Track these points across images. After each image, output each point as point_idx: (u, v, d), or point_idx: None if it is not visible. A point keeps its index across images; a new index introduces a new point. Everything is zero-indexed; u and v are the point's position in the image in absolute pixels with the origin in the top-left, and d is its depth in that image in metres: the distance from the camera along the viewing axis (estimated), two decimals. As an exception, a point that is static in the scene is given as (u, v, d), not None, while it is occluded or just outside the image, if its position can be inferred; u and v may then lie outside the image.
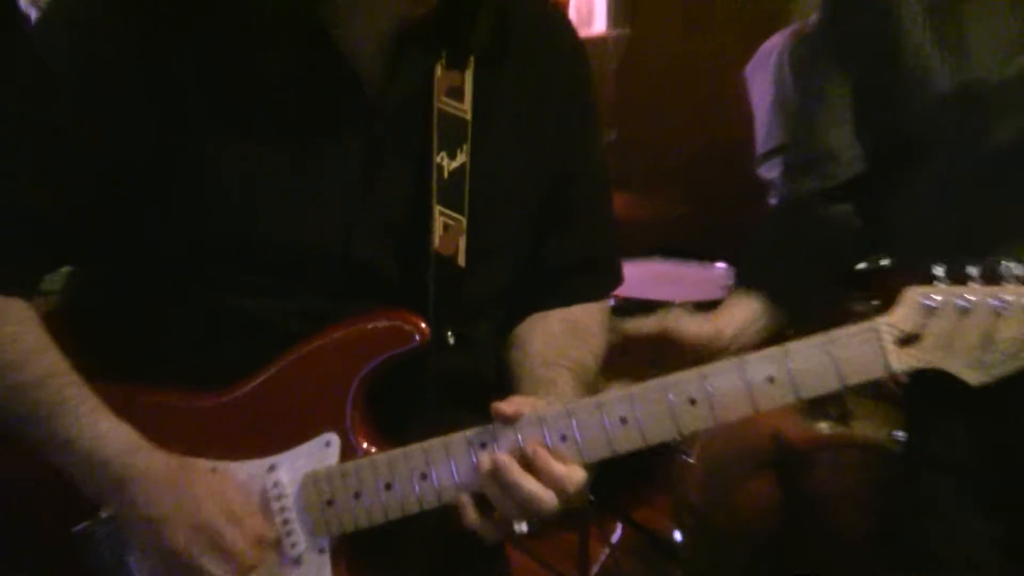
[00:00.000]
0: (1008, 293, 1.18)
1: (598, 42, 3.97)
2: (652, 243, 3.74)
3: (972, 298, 1.19)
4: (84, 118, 1.33)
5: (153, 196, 1.35)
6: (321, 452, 1.37)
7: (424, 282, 1.38)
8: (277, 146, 1.35)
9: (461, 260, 1.40)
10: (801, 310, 1.75)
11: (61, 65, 1.33)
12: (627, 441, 1.27)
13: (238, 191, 1.34)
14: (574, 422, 1.28)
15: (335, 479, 1.36)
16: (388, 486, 1.34)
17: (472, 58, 1.42)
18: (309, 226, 1.37)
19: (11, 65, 1.34)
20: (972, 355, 1.19)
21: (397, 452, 1.34)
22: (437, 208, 1.38)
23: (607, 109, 3.74)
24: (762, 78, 3.55)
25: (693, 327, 1.65)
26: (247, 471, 1.38)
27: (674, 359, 1.64)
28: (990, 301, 1.18)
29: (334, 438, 1.37)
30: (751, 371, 1.23)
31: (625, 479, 3.17)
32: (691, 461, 2.96)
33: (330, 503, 1.36)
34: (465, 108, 1.41)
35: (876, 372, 1.20)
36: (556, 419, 1.29)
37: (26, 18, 2.70)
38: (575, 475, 1.28)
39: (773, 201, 3.54)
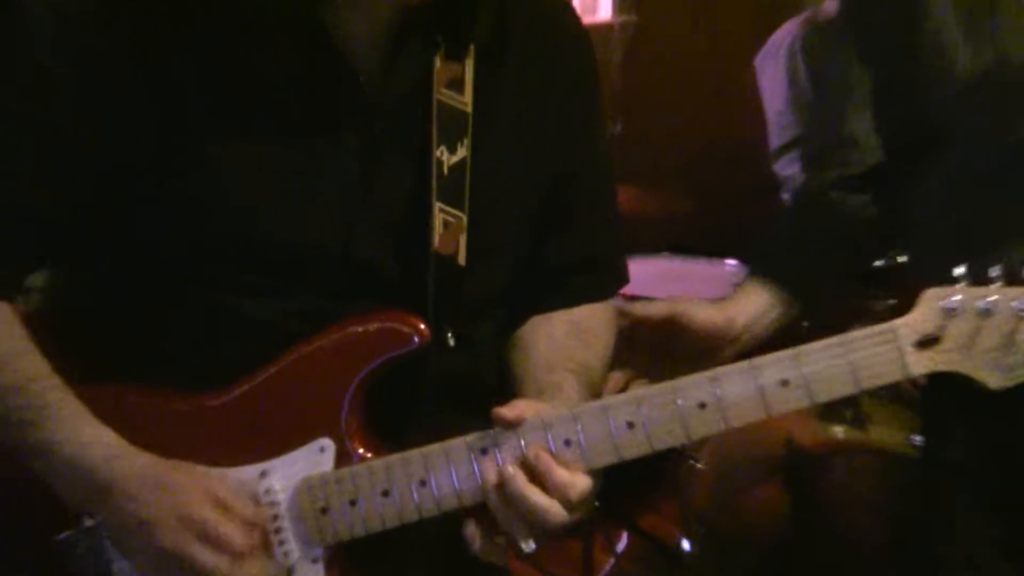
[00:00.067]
0: (1031, 295, 1.18)
1: (603, 29, 3.97)
2: (659, 240, 3.74)
3: (994, 299, 1.19)
4: (82, 117, 1.34)
5: (152, 196, 1.35)
6: (315, 458, 1.37)
7: (424, 282, 1.38)
8: (276, 145, 1.36)
9: (461, 259, 1.40)
10: (816, 303, 1.75)
11: (57, 63, 1.34)
12: (634, 446, 1.27)
13: (237, 190, 1.35)
14: (579, 427, 1.28)
15: (330, 486, 1.36)
16: (385, 493, 1.34)
17: (472, 48, 1.42)
18: (308, 225, 1.37)
19: (9, 63, 1.35)
20: (993, 358, 1.20)
21: (395, 458, 1.34)
22: (437, 205, 1.39)
23: (612, 100, 3.75)
24: (773, 69, 3.54)
25: (704, 314, 1.65)
26: (237, 477, 1.37)
27: (681, 348, 1.64)
28: (1013, 304, 1.19)
29: (329, 443, 1.37)
30: (764, 374, 1.23)
31: (631, 485, 3.17)
32: (700, 466, 2.97)
33: (324, 511, 1.36)
34: (465, 100, 1.41)
35: (894, 375, 1.20)
36: (560, 424, 1.29)
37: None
38: (579, 482, 1.28)
39: (786, 196, 3.54)
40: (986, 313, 1.18)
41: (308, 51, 1.36)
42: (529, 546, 1.30)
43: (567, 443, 1.28)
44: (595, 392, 1.49)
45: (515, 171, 1.47)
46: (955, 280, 1.19)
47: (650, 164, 4.01)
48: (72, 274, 1.47)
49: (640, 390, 1.27)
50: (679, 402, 1.25)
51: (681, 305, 1.66)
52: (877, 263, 2.02)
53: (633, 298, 3.25)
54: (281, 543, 1.37)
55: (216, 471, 1.37)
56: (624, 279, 1.66)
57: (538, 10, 1.51)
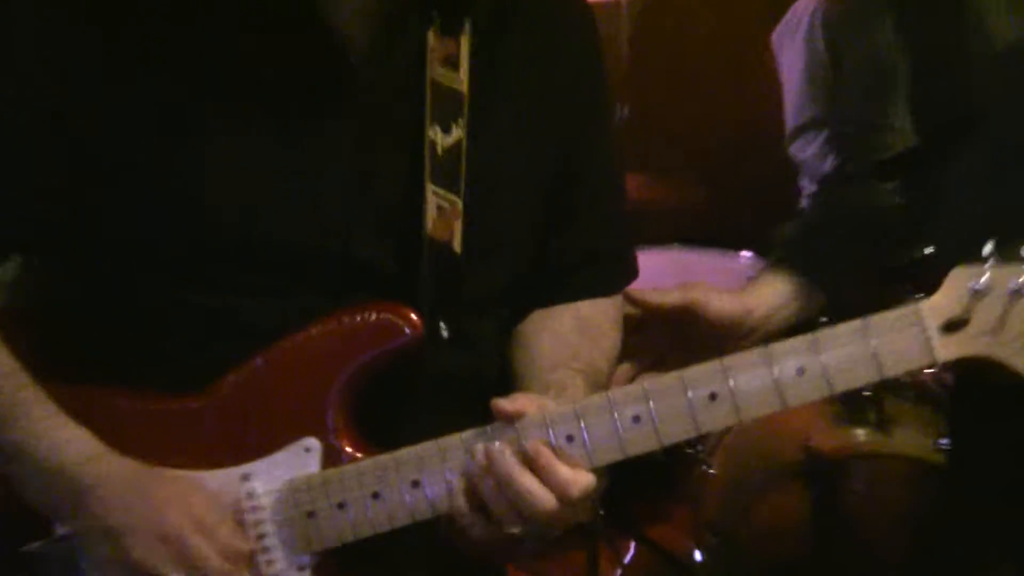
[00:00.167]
0: (1066, 275, 1.18)
1: (610, 7, 3.96)
2: (669, 231, 3.74)
3: (1025, 280, 1.19)
4: (64, 108, 1.34)
5: (139, 191, 1.35)
6: (300, 459, 1.37)
7: (417, 271, 1.38)
8: (260, 128, 1.36)
9: (457, 246, 1.40)
10: (840, 296, 1.75)
11: (43, 53, 1.35)
12: (641, 442, 1.27)
13: (220, 183, 1.35)
14: (582, 422, 1.28)
15: (316, 488, 1.36)
16: (376, 495, 1.33)
17: (469, 24, 1.42)
18: (299, 212, 1.37)
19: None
20: None
21: (385, 457, 1.34)
22: (429, 188, 1.38)
23: (619, 82, 3.74)
24: (791, 45, 3.54)
25: (720, 304, 1.65)
26: (218, 481, 1.37)
27: (694, 339, 1.64)
28: (1046, 285, 1.18)
29: (314, 443, 1.37)
30: (779, 362, 1.23)
31: (639, 492, 3.17)
32: (712, 472, 2.97)
33: (311, 515, 1.36)
34: (461, 79, 1.41)
35: (919, 361, 1.19)
36: (562, 418, 1.29)
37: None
38: (581, 479, 1.28)
39: (804, 183, 3.55)
40: (1017, 295, 1.18)
41: (294, 26, 1.36)
42: (513, 532, 1.29)
43: (569, 439, 1.28)
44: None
45: (515, 156, 1.46)
46: (984, 259, 1.18)
47: (660, 150, 4.02)
48: (58, 270, 1.47)
49: (646, 382, 1.27)
50: (688, 394, 1.25)
51: (696, 293, 1.66)
52: (904, 256, 2.02)
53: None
54: (264, 551, 1.37)
55: (196, 475, 1.37)
56: (633, 273, 1.66)
57: None
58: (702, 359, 1.29)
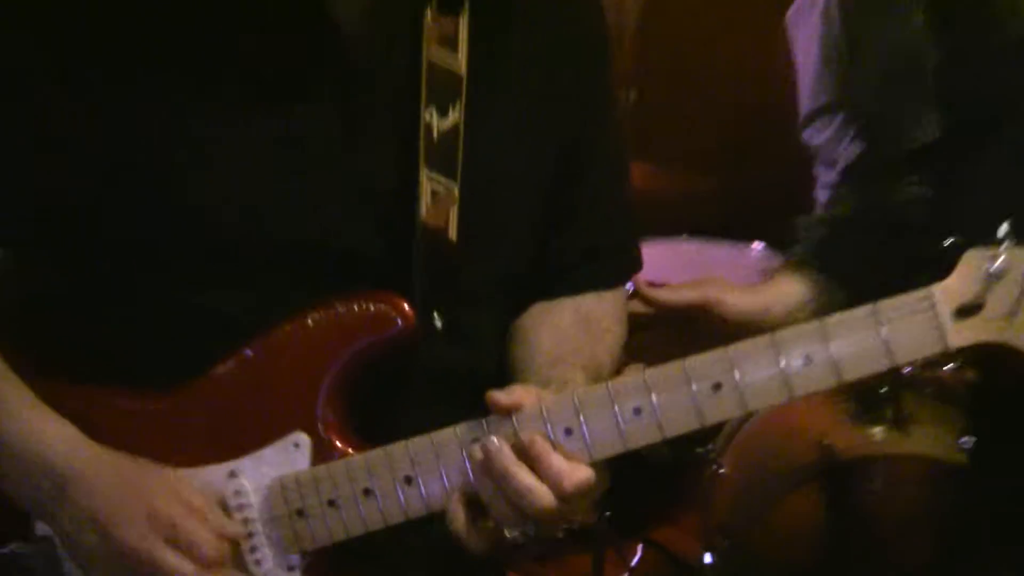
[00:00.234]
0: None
1: (616, -11, 3.96)
2: (677, 222, 3.74)
3: (1043, 261, 1.19)
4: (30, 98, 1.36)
5: (116, 178, 1.36)
6: (289, 455, 1.37)
7: (410, 259, 1.39)
8: (243, 109, 1.36)
9: (452, 234, 1.40)
10: (863, 293, 1.75)
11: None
12: (642, 435, 1.27)
13: (200, 166, 1.35)
14: (581, 414, 1.28)
15: (306, 486, 1.36)
16: (367, 492, 1.34)
17: (468, 4, 1.42)
18: (282, 201, 1.37)
19: None
20: None
21: (377, 453, 1.34)
22: (424, 171, 1.39)
23: (627, 65, 3.74)
24: (806, 25, 3.53)
25: (736, 302, 1.65)
26: (204, 478, 1.38)
27: (706, 338, 1.64)
28: (1066, 266, 1.18)
29: (304, 438, 1.37)
30: (785, 350, 1.23)
31: (646, 493, 3.17)
32: (723, 472, 2.96)
33: (300, 513, 1.36)
34: (459, 61, 1.41)
35: (931, 348, 1.19)
36: (560, 411, 1.29)
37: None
38: (578, 473, 1.27)
39: (819, 170, 3.54)
40: (1035, 277, 1.18)
41: (282, 1, 1.36)
42: (512, 535, 1.30)
43: (568, 432, 1.28)
44: None
45: (515, 142, 1.47)
46: (999, 241, 1.18)
47: (667, 138, 4.01)
48: (46, 266, 1.47)
49: (648, 372, 1.26)
50: (692, 385, 1.25)
51: (712, 291, 1.66)
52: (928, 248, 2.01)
53: (649, 286, 3.26)
54: (252, 550, 1.38)
55: (181, 472, 1.37)
56: (637, 265, 1.66)
57: None
58: None
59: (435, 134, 1.39)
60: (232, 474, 1.38)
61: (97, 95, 1.34)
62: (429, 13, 1.41)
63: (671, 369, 1.26)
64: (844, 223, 1.83)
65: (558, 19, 1.50)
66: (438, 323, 1.40)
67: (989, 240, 1.20)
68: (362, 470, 1.34)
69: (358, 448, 1.37)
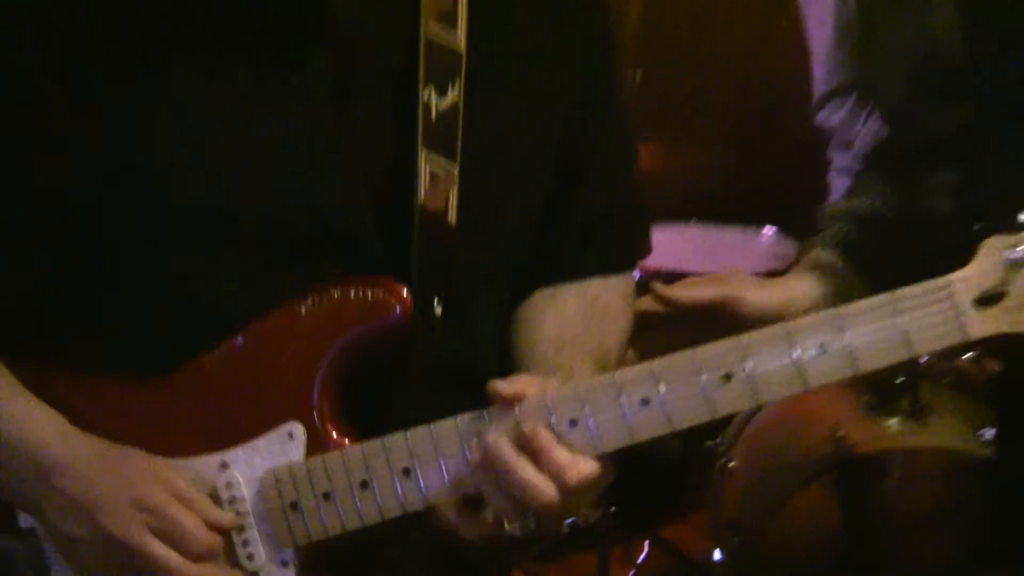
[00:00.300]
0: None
1: (621, -38, 3.96)
2: (686, 205, 3.74)
3: (1067, 248, 1.19)
4: None
5: (85, 152, 1.36)
6: (283, 445, 1.38)
7: (408, 244, 1.39)
8: (231, 87, 1.36)
9: (452, 217, 1.40)
10: (889, 286, 1.75)
11: None
12: (650, 427, 1.27)
13: (188, 148, 1.35)
14: (586, 405, 1.28)
15: (300, 478, 1.36)
16: (364, 485, 1.34)
17: None
18: (271, 182, 1.37)
19: None
20: None
21: (374, 444, 1.34)
22: (423, 153, 1.39)
23: (632, 44, 3.73)
24: (819, 3, 3.54)
25: (757, 298, 1.65)
26: (194, 469, 1.38)
27: (723, 335, 1.64)
28: (1091, 255, 1.18)
29: (298, 429, 1.38)
30: (799, 340, 1.23)
31: (654, 488, 3.18)
32: (733, 466, 2.97)
33: (294, 506, 1.37)
34: (458, 37, 1.41)
35: (951, 338, 1.19)
36: (565, 401, 1.29)
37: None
38: (581, 466, 1.28)
39: (835, 154, 3.54)
40: (1059, 265, 1.18)
41: None
42: (512, 530, 1.30)
43: (573, 424, 1.29)
44: None
45: (517, 122, 1.47)
46: (1021, 227, 1.19)
47: (675, 118, 4.01)
48: (22, 248, 1.47)
49: (656, 362, 1.27)
50: (702, 376, 1.25)
51: (732, 287, 1.66)
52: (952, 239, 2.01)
53: (656, 272, 3.27)
54: (245, 544, 1.38)
55: (171, 462, 1.38)
56: (645, 249, 1.66)
57: None
58: None
59: (433, 114, 1.39)
60: (223, 465, 1.38)
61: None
62: None
63: (680, 358, 1.27)
64: (873, 218, 1.83)
65: None
66: (437, 310, 1.41)
67: (1010, 227, 1.20)
68: (359, 462, 1.34)
69: (354, 439, 1.37)
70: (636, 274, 1.68)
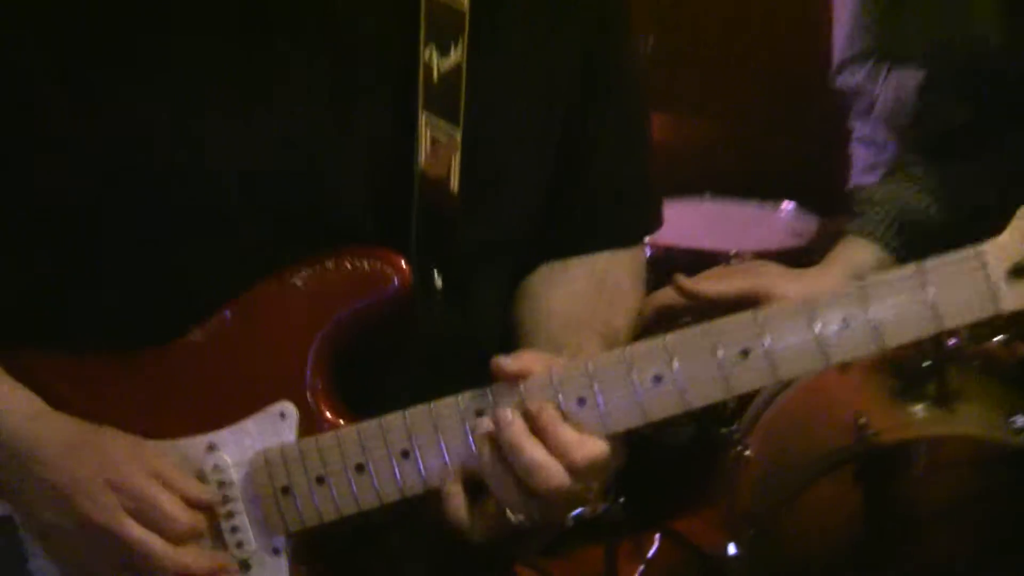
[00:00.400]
0: None
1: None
2: (698, 178, 3.74)
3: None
4: None
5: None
6: (274, 426, 1.38)
7: (407, 213, 1.39)
8: (217, 42, 1.36)
9: (454, 185, 1.41)
10: None
11: None
12: (663, 405, 1.27)
13: (175, 111, 1.35)
14: (596, 382, 1.28)
15: (292, 460, 1.37)
16: (360, 468, 1.34)
17: None
18: (263, 146, 1.38)
19: None
20: None
21: (371, 424, 1.34)
22: (424, 116, 1.39)
23: (642, 7, 3.73)
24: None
25: (787, 289, 1.65)
26: (180, 452, 1.39)
27: None
28: None
29: (290, 408, 1.38)
30: (821, 314, 1.23)
31: (664, 478, 3.18)
32: (749, 455, 2.97)
33: (286, 491, 1.37)
34: None
35: (982, 310, 1.19)
36: (573, 378, 1.29)
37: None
38: (590, 446, 1.27)
39: (856, 123, 3.54)
40: (1096, 232, 1.18)
41: None
42: (517, 518, 1.30)
43: (581, 402, 1.28)
44: None
45: (523, 84, 1.47)
46: (1057, 192, 1.18)
47: (688, 86, 4.00)
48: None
49: (670, 336, 1.26)
50: (719, 352, 1.25)
51: (761, 280, 1.66)
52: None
53: (667, 249, 3.27)
54: (234, 531, 1.39)
55: (154, 444, 1.38)
56: (656, 222, 1.67)
57: None
58: None
59: (435, 75, 1.39)
60: (211, 447, 1.39)
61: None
62: None
63: (694, 333, 1.26)
64: (914, 207, 1.82)
65: None
66: (438, 283, 1.41)
67: None
68: (354, 443, 1.35)
69: (350, 419, 1.37)
70: (647, 251, 1.69)
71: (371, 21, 1.40)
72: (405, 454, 1.33)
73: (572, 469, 1.26)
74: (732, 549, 3.01)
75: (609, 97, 1.56)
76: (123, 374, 1.42)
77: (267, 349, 1.39)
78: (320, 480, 1.36)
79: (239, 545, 1.39)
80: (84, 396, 1.41)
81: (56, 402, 1.39)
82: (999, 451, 2.65)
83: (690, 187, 3.74)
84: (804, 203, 3.72)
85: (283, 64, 1.37)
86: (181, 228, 1.37)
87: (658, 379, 1.26)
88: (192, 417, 1.40)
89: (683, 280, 1.69)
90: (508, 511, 1.31)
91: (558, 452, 1.26)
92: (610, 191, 1.58)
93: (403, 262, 1.37)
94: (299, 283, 1.38)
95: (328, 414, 1.38)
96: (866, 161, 3.49)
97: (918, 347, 2.56)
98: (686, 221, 3.54)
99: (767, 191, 3.75)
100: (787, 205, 3.74)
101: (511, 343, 1.51)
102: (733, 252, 3.28)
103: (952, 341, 2.63)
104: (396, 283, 1.36)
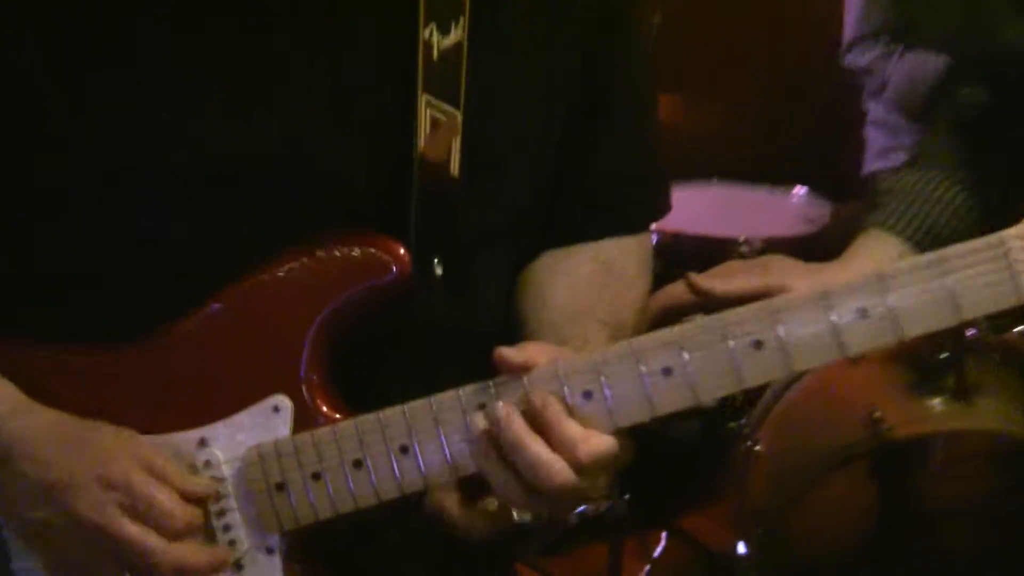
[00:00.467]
0: None
1: None
2: (706, 161, 3.74)
3: None
4: None
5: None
6: (268, 420, 1.38)
7: (406, 198, 1.39)
8: (215, 25, 1.37)
9: (454, 168, 1.41)
10: None
11: None
12: (672, 399, 1.27)
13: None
14: (602, 375, 1.28)
15: (286, 456, 1.37)
16: (357, 464, 1.35)
17: None
18: (257, 127, 1.38)
19: None
20: None
21: (369, 418, 1.35)
22: (424, 98, 1.39)
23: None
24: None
25: (804, 287, 1.65)
26: (170, 447, 1.39)
27: None
28: None
29: (284, 402, 1.38)
30: (837, 303, 1.23)
31: (671, 474, 3.18)
32: (759, 450, 2.97)
33: (280, 487, 1.37)
34: None
35: (1005, 300, 1.19)
36: (579, 371, 1.29)
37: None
38: (595, 442, 1.27)
39: (870, 105, 3.54)
40: (1125, 219, 1.18)
41: None
42: (522, 518, 1.30)
43: (587, 395, 1.28)
44: None
45: (526, 65, 1.47)
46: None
47: (696, 67, 4.00)
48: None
49: (678, 328, 1.26)
50: (730, 343, 1.25)
51: (776, 277, 1.66)
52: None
53: (675, 235, 3.26)
54: (226, 529, 1.39)
55: (143, 438, 1.38)
56: (663, 208, 1.67)
57: None
58: None
59: (435, 54, 1.40)
60: (202, 442, 1.39)
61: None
62: None
63: (705, 324, 1.26)
64: (942, 200, 1.82)
65: None
66: (438, 271, 1.41)
67: None
68: (351, 438, 1.35)
69: (346, 414, 1.37)
70: (654, 237, 1.68)
71: (371, 7, 1.41)
72: (404, 450, 1.33)
73: (577, 466, 1.26)
74: (741, 548, 3.00)
75: (615, 80, 1.56)
76: (113, 367, 1.42)
77: (261, 340, 1.39)
78: (316, 476, 1.36)
79: (231, 544, 1.39)
80: (74, 390, 1.41)
81: (46, 397, 1.40)
82: (1019, 446, 2.65)
83: (698, 171, 3.73)
84: (816, 188, 3.72)
85: (283, 63, 1.38)
86: (181, 228, 1.38)
87: (667, 371, 1.26)
88: (183, 411, 1.40)
89: (695, 277, 1.69)
90: (511, 509, 1.31)
91: (563, 448, 1.26)
92: (616, 177, 1.59)
93: (402, 249, 1.37)
94: (294, 271, 1.39)
95: (324, 408, 1.38)
96: (881, 145, 3.49)
97: (935, 338, 2.55)
98: (694, 206, 3.53)
99: (778, 175, 3.74)
100: (799, 190, 3.74)
101: (513, 333, 1.52)
102: (742, 239, 3.28)
103: (971, 332, 2.62)
104: (395, 271, 1.36)
